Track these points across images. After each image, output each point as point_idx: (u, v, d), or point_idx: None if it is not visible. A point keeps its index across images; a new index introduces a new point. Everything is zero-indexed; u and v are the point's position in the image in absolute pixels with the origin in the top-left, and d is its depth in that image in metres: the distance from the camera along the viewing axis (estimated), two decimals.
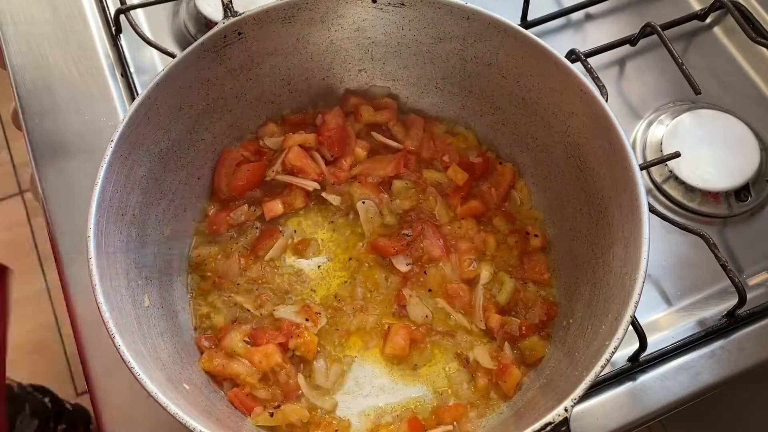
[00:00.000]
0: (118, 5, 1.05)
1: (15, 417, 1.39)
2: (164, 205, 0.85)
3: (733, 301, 0.88)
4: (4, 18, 1.07)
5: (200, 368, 0.81)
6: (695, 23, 1.11)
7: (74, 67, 1.04)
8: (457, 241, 0.90)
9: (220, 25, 0.82)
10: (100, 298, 0.68)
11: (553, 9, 1.12)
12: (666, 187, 1.00)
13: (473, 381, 0.83)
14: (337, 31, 0.89)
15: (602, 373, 0.71)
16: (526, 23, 1.09)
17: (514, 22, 0.83)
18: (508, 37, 0.83)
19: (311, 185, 0.92)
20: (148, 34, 1.06)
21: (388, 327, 0.86)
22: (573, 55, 0.99)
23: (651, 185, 1.01)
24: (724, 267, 0.88)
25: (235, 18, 0.82)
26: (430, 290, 0.88)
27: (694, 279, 0.95)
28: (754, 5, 1.13)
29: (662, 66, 1.08)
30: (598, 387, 0.86)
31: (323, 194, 0.93)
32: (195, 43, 0.80)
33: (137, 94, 0.99)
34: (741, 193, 0.99)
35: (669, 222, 0.93)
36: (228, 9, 0.82)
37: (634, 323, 0.85)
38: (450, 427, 0.80)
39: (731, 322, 0.90)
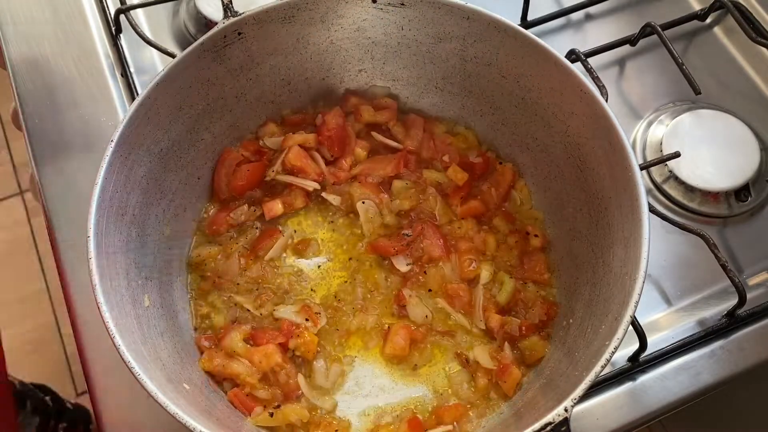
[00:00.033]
0: (118, 5, 1.05)
1: (16, 414, 1.40)
2: (164, 205, 0.85)
3: (733, 301, 0.88)
4: (4, 18, 1.07)
5: (200, 368, 0.81)
6: (695, 23, 1.11)
7: (74, 67, 1.04)
8: (457, 241, 0.90)
9: (220, 25, 0.82)
10: (100, 298, 0.68)
11: (553, 9, 1.12)
12: (666, 187, 1.00)
13: (473, 381, 0.83)
14: (337, 31, 0.89)
15: (602, 373, 0.71)
16: (526, 23, 1.09)
17: (514, 22, 0.83)
18: (508, 37, 0.83)
19: (311, 185, 0.92)
20: (148, 34, 1.06)
21: (388, 327, 0.86)
22: (573, 55, 0.99)
23: (651, 185, 1.01)
24: (724, 267, 0.88)
25: (235, 18, 0.82)
26: (430, 290, 0.88)
27: (694, 279, 0.95)
28: (754, 5, 1.13)
29: (662, 66, 1.08)
30: (598, 387, 0.86)
31: (323, 194, 0.93)
32: (195, 43, 0.81)
33: (137, 94, 0.99)
34: (741, 193, 0.99)
35: (669, 222, 0.93)
36: (228, 9, 0.82)
37: (634, 323, 0.85)
38: (450, 427, 0.80)
39: (731, 322, 0.90)
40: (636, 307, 0.68)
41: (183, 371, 0.77)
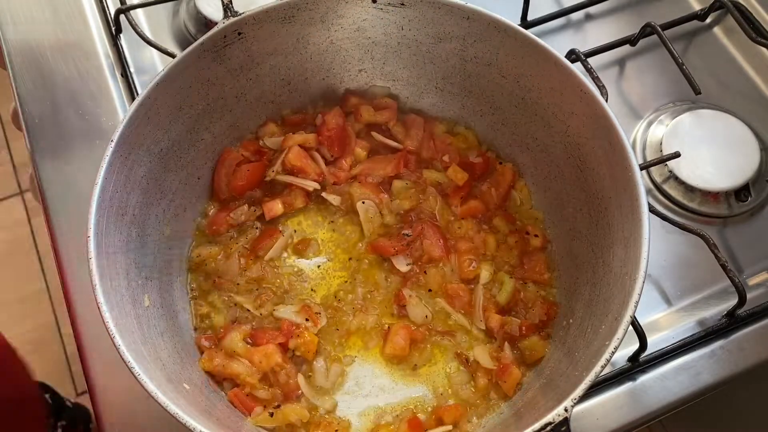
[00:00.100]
0: (118, 5, 1.05)
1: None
2: (164, 205, 0.85)
3: (733, 301, 0.88)
4: (4, 18, 1.07)
5: (200, 368, 0.81)
6: (695, 23, 1.11)
7: (74, 67, 1.04)
8: (457, 241, 0.90)
9: (220, 25, 0.82)
10: (100, 298, 0.68)
11: (553, 9, 1.12)
12: (666, 187, 1.00)
13: (473, 381, 0.83)
14: (337, 31, 0.89)
15: (602, 373, 0.71)
16: (526, 23, 1.09)
17: (514, 22, 0.83)
18: (508, 37, 0.83)
19: (311, 185, 0.92)
20: (148, 34, 1.06)
21: (388, 327, 0.86)
22: (573, 55, 0.99)
23: (651, 185, 1.01)
24: (724, 267, 0.88)
25: (235, 18, 0.82)
26: (430, 290, 0.88)
27: (694, 279, 0.95)
28: (754, 5, 1.13)
29: (662, 66, 1.08)
30: (598, 387, 0.86)
31: (323, 194, 0.93)
32: (195, 43, 0.80)
33: (137, 94, 0.99)
34: (741, 193, 0.99)
35: (669, 222, 0.93)
36: (228, 9, 0.82)
37: (634, 323, 0.85)
38: (450, 427, 0.80)
39: (731, 322, 0.90)
40: (636, 307, 0.68)
41: (183, 371, 0.77)
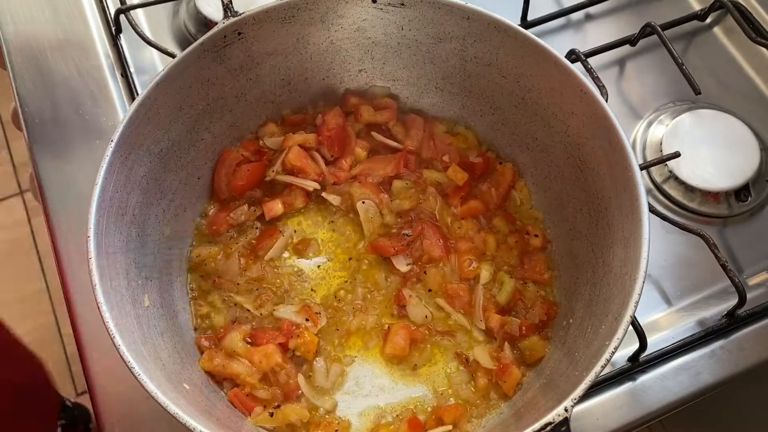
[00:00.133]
0: (118, 5, 1.05)
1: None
2: (164, 205, 0.85)
3: (733, 301, 0.88)
4: (4, 18, 1.07)
5: (200, 368, 0.81)
6: (695, 23, 1.11)
7: (74, 67, 1.04)
8: (457, 241, 0.90)
9: (220, 25, 0.82)
10: (100, 298, 0.68)
11: (553, 9, 1.12)
12: (666, 187, 1.00)
13: (473, 381, 0.83)
14: (337, 31, 0.89)
15: (602, 373, 0.71)
16: (526, 23, 1.09)
17: (514, 22, 0.83)
18: (508, 37, 0.83)
19: (311, 185, 0.92)
20: (148, 34, 1.06)
21: (388, 327, 0.86)
22: (573, 55, 0.99)
23: (651, 185, 1.01)
24: (724, 267, 0.88)
25: (235, 18, 0.82)
26: (430, 290, 0.88)
27: (694, 279, 0.95)
28: (754, 5, 1.13)
29: (662, 66, 1.08)
30: (598, 387, 0.86)
31: (323, 194, 0.93)
32: (195, 43, 0.80)
33: (137, 94, 0.99)
34: (741, 193, 0.99)
35: (669, 222, 0.93)
36: (228, 9, 0.82)
37: (634, 323, 0.85)
38: (450, 427, 0.80)
39: (731, 322, 0.90)
40: (636, 307, 0.68)
41: (183, 371, 0.77)
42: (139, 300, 0.77)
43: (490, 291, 0.88)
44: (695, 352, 0.89)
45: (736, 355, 0.88)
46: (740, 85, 1.09)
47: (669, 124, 1.03)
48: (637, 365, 0.87)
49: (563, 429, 0.63)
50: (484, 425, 0.81)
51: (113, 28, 1.06)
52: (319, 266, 0.91)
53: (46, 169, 0.97)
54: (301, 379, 0.82)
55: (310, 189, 0.93)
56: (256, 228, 0.92)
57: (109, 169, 0.74)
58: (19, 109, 1.01)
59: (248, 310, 0.86)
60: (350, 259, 0.91)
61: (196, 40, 0.81)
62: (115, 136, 0.75)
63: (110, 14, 1.07)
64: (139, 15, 1.10)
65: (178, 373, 0.76)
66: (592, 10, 1.14)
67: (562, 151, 0.86)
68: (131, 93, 1.02)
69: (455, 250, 0.90)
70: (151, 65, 1.07)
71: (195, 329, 0.86)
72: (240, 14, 0.82)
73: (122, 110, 1.01)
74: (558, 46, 0.83)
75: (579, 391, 0.64)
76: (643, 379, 0.87)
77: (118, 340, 0.67)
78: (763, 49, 1.08)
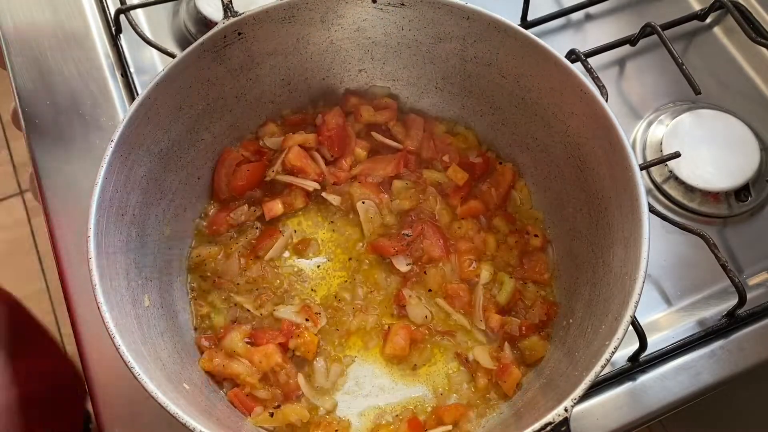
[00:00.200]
0: (118, 5, 1.05)
1: None
2: (164, 205, 0.85)
3: (733, 301, 0.88)
4: (4, 18, 1.07)
5: (200, 368, 0.81)
6: (695, 23, 1.11)
7: (74, 67, 1.04)
8: (457, 241, 0.90)
9: (220, 25, 0.82)
10: (100, 298, 0.68)
11: (553, 9, 1.12)
12: (666, 187, 1.00)
13: (473, 381, 0.83)
14: (337, 31, 0.89)
15: (602, 373, 0.71)
16: (526, 23, 1.09)
17: (514, 22, 0.83)
18: (508, 37, 0.83)
19: (311, 185, 0.92)
20: (148, 34, 1.06)
21: (388, 327, 0.86)
22: (573, 55, 0.99)
23: (651, 185, 1.01)
24: (724, 267, 0.88)
25: (235, 18, 0.82)
26: (430, 290, 0.88)
27: (694, 279, 0.95)
28: (754, 5, 1.13)
29: (662, 66, 1.08)
30: (598, 387, 0.86)
31: (323, 194, 0.93)
32: (195, 43, 0.81)
33: (137, 94, 0.99)
34: (741, 193, 0.99)
35: (669, 222, 0.93)
36: (228, 9, 0.82)
37: (634, 323, 0.85)
38: (450, 427, 0.80)
39: (731, 322, 0.90)
40: (636, 307, 0.68)
41: (183, 371, 0.77)
42: (139, 300, 0.77)
43: (490, 291, 0.88)
44: (695, 352, 0.89)
45: (736, 355, 0.88)
46: (740, 85, 1.09)
47: (669, 124, 1.03)
48: (637, 365, 0.87)
49: (563, 429, 0.63)
50: (484, 425, 0.81)
51: (113, 28, 1.06)
52: (319, 266, 0.91)
53: (46, 169, 0.97)
54: (301, 379, 0.82)
55: (310, 189, 0.93)
56: (256, 228, 0.92)
57: (109, 169, 0.74)
58: (19, 109, 1.01)
59: (248, 310, 0.86)
60: (350, 259, 0.91)
61: (196, 40, 0.81)
62: (115, 136, 0.75)
63: (110, 14, 1.07)
64: (139, 15, 1.10)
65: (178, 373, 0.76)
66: (592, 10, 1.14)
67: (562, 151, 0.86)
68: (131, 93, 1.02)
69: (455, 250, 0.90)
70: (151, 65, 1.07)
71: (195, 329, 0.86)
72: (240, 14, 0.82)
73: (122, 110, 1.01)
74: (558, 46, 0.83)
75: (579, 391, 0.64)
76: (643, 379, 0.87)
77: (118, 340, 0.67)
78: (763, 49, 1.08)
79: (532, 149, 0.91)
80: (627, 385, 0.87)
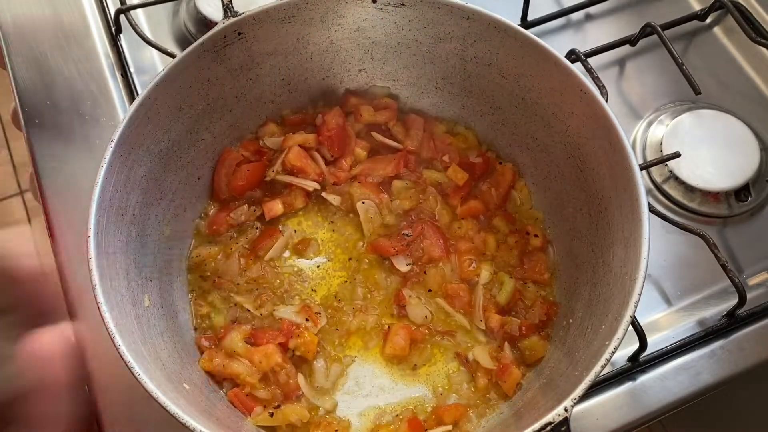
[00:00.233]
0: (118, 5, 1.05)
1: None
2: (164, 205, 0.85)
3: (733, 301, 0.88)
4: (4, 18, 1.07)
5: (200, 368, 0.81)
6: (695, 23, 1.11)
7: (74, 67, 1.04)
8: (457, 241, 0.90)
9: (220, 25, 0.82)
10: (100, 298, 0.68)
11: (553, 9, 1.12)
12: (666, 187, 1.00)
13: (473, 381, 0.83)
14: (337, 31, 0.89)
15: (602, 373, 0.71)
16: (526, 23, 1.09)
17: (514, 22, 0.83)
18: (508, 37, 0.83)
19: (311, 185, 0.92)
20: (148, 34, 1.06)
21: (388, 327, 0.86)
22: (573, 55, 0.99)
23: (651, 185, 1.01)
24: (724, 267, 0.88)
25: (235, 18, 0.82)
26: (430, 290, 0.88)
27: (694, 279, 0.95)
28: (754, 5, 1.13)
29: (662, 66, 1.08)
30: (598, 387, 0.86)
31: (323, 194, 0.93)
32: (195, 43, 0.81)
33: (137, 94, 0.99)
34: (741, 193, 0.99)
35: (669, 222, 0.93)
36: (228, 9, 0.82)
37: (634, 323, 0.85)
38: (450, 427, 0.80)
39: (731, 322, 0.90)
40: (636, 307, 0.68)
41: (183, 371, 0.77)
42: (139, 300, 0.77)
43: (490, 291, 0.88)
44: (695, 352, 0.89)
45: (736, 355, 0.88)
46: (740, 85, 1.09)
47: (669, 124, 1.03)
48: (637, 365, 0.87)
49: (563, 429, 0.63)
50: (484, 425, 0.81)
51: (113, 28, 1.06)
52: (319, 266, 0.91)
53: (46, 169, 0.97)
54: (301, 379, 0.82)
55: (310, 189, 0.93)
56: (256, 228, 0.92)
57: (109, 169, 0.74)
58: (19, 109, 1.01)
59: (248, 310, 0.86)
60: (350, 259, 0.91)
61: (196, 40, 0.81)
62: (115, 136, 0.75)
63: (110, 14, 1.07)
64: (139, 15, 1.10)
65: (178, 373, 0.76)
66: (592, 10, 1.14)
67: (562, 151, 0.86)
68: (131, 93, 1.02)
69: (455, 250, 0.90)
70: (151, 65, 1.07)
71: (195, 329, 0.86)
72: (240, 14, 0.82)
73: (122, 110, 1.01)
74: (558, 46, 0.83)
75: (579, 391, 0.64)
76: (643, 379, 0.87)
77: (118, 340, 0.67)
78: (763, 49, 1.08)
79: (532, 149, 0.91)
80: (627, 385, 0.87)
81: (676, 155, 0.97)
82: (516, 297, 0.87)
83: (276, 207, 0.91)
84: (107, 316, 0.68)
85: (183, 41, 1.09)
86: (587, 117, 0.80)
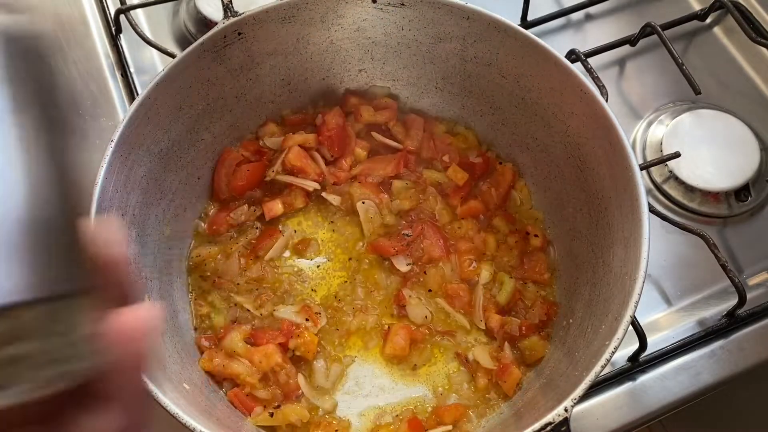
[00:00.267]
0: (118, 5, 1.05)
1: None
2: (164, 205, 0.85)
3: (733, 301, 0.88)
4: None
5: (200, 368, 0.81)
6: (695, 23, 1.11)
7: (74, 68, 1.04)
8: (457, 241, 0.90)
9: (220, 25, 0.82)
10: None
11: (553, 9, 1.12)
12: (666, 187, 1.00)
13: (473, 381, 0.83)
14: (337, 31, 0.89)
15: (602, 373, 0.71)
16: (526, 23, 1.09)
17: (514, 22, 0.83)
18: (508, 37, 0.83)
19: (311, 185, 0.92)
20: (148, 34, 1.05)
21: (388, 327, 0.86)
22: (573, 55, 0.99)
23: (651, 185, 1.01)
24: (724, 267, 0.88)
25: (235, 18, 0.82)
26: (430, 290, 0.88)
27: (694, 279, 0.95)
28: (754, 5, 1.13)
29: (662, 66, 1.08)
30: (598, 387, 0.86)
31: (323, 194, 0.93)
32: (195, 43, 0.81)
33: (137, 94, 0.99)
34: (741, 193, 0.99)
35: (669, 222, 0.93)
36: (228, 9, 0.82)
37: (634, 323, 0.85)
38: (450, 427, 0.80)
39: (731, 322, 0.90)
40: (636, 307, 0.68)
41: (183, 371, 0.77)
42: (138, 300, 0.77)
43: (490, 291, 0.88)
44: (695, 352, 0.89)
45: (736, 355, 0.88)
46: (740, 85, 1.09)
47: (669, 124, 1.03)
48: (637, 365, 0.87)
49: (563, 429, 0.63)
50: (484, 425, 0.81)
51: (113, 29, 1.06)
52: (319, 266, 0.91)
53: None
54: (301, 379, 0.82)
55: (310, 189, 0.93)
56: (256, 228, 0.92)
57: (109, 169, 0.74)
58: None
59: (248, 310, 0.86)
60: (350, 259, 0.91)
61: (196, 40, 0.81)
62: (115, 136, 0.75)
63: (110, 14, 1.07)
64: (139, 15, 1.10)
65: (178, 373, 0.76)
66: (592, 10, 1.14)
67: (562, 151, 0.86)
68: (131, 93, 1.02)
69: (455, 250, 0.90)
70: (151, 65, 1.07)
71: (195, 329, 0.86)
72: (240, 14, 0.82)
73: (122, 110, 1.01)
74: (558, 46, 0.83)
75: (579, 391, 0.64)
76: (643, 379, 0.87)
77: None
78: (763, 49, 1.08)
79: (532, 149, 0.91)
80: (627, 385, 0.87)
81: (676, 155, 0.97)
82: (516, 297, 0.87)
83: (276, 207, 0.91)
84: None
85: (183, 41, 1.08)
86: (587, 117, 0.80)
